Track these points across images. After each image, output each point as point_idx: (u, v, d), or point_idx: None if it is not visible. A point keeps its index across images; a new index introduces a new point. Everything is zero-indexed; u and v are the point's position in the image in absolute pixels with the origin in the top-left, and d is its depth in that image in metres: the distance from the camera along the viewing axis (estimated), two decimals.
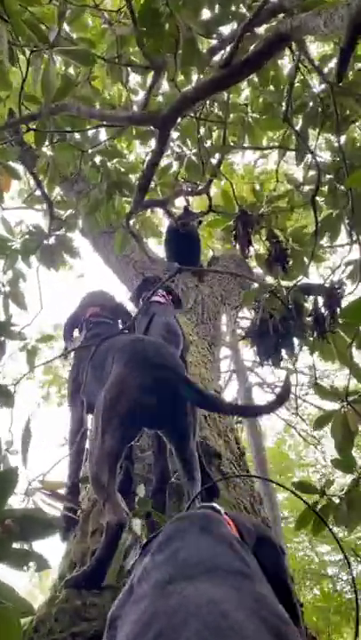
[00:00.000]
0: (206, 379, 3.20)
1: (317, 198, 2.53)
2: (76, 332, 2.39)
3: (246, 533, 1.01)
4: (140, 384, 1.53)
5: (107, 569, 1.40)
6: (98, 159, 3.09)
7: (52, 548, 1.69)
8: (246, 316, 9.40)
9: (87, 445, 2.01)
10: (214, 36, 2.43)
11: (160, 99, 3.16)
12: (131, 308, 2.69)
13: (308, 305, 2.49)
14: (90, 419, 2.01)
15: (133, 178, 3.21)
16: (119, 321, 2.37)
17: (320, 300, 2.42)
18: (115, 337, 1.95)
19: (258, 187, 3.57)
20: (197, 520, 0.87)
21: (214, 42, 2.65)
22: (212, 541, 0.78)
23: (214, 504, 1.02)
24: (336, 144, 2.72)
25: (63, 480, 1.93)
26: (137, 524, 1.53)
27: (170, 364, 1.62)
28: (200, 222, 4.31)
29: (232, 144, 3.27)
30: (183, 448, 1.60)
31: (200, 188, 3.32)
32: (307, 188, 3.10)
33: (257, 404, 1.71)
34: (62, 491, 1.85)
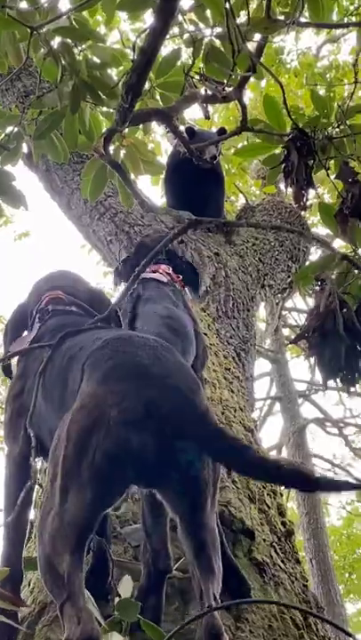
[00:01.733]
0: (231, 407, 3.22)
1: None
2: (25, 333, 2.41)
3: None
4: (126, 413, 1.53)
5: None
6: (57, 42, 3.09)
7: None
8: (299, 308, 9.41)
9: (36, 512, 2.03)
10: None
11: None
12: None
13: None
14: (41, 467, 2.02)
15: (116, 74, 3.21)
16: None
17: None
18: (84, 333, 1.96)
19: (323, 91, 3.55)
20: None
21: None
22: None
23: None
24: None
25: None
26: None
27: (177, 378, 1.63)
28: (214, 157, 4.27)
29: (281, 18, 3.25)
30: (196, 521, 1.60)
31: (227, 90, 3.31)
32: None
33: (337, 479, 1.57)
34: None
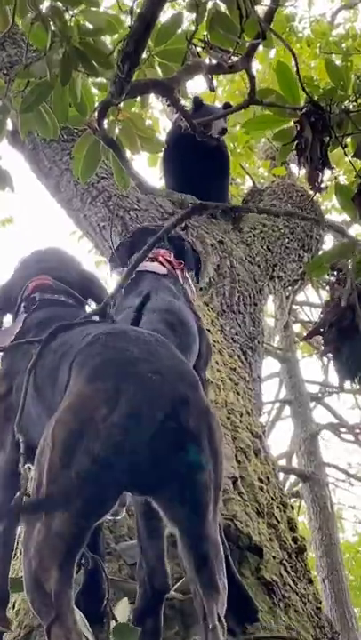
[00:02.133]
0: (237, 411, 3.22)
1: None
2: (7, 319, 2.42)
3: None
4: (117, 415, 1.53)
5: None
6: (46, 6, 3.09)
7: None
8: (312, 302, 9.41)
9: (22, 524, 2.02)
10: None
11: None
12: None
13: None
14: (30, 473, 2.02)
15: (110, 41, 3.20)
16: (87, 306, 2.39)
17: None
18: (75, 327, 1.97)
19: (339, 61, 3.55)
20: None
21: None
22: None
23: None
24: None
25: None
26: None
27: (174, 376, 1.63)
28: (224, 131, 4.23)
29: None
30: (196, 531, 1.60)
31: (234, 60, 3.30)
32: None
33: None
34: None
